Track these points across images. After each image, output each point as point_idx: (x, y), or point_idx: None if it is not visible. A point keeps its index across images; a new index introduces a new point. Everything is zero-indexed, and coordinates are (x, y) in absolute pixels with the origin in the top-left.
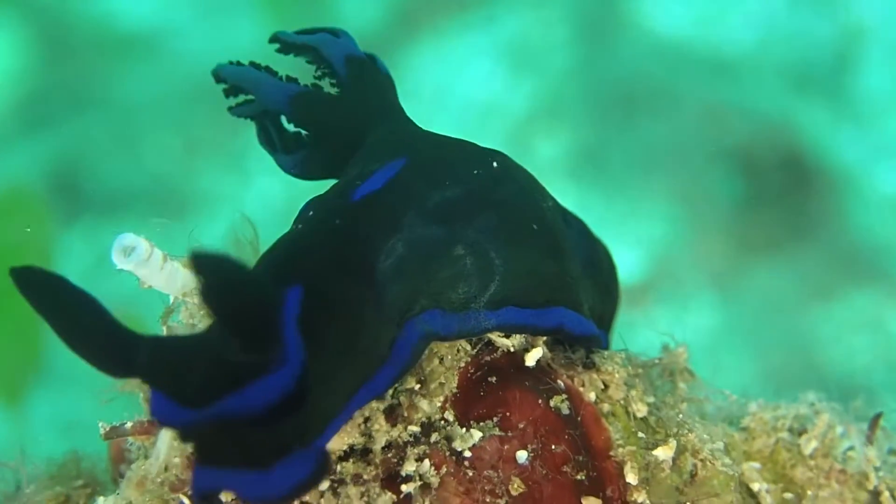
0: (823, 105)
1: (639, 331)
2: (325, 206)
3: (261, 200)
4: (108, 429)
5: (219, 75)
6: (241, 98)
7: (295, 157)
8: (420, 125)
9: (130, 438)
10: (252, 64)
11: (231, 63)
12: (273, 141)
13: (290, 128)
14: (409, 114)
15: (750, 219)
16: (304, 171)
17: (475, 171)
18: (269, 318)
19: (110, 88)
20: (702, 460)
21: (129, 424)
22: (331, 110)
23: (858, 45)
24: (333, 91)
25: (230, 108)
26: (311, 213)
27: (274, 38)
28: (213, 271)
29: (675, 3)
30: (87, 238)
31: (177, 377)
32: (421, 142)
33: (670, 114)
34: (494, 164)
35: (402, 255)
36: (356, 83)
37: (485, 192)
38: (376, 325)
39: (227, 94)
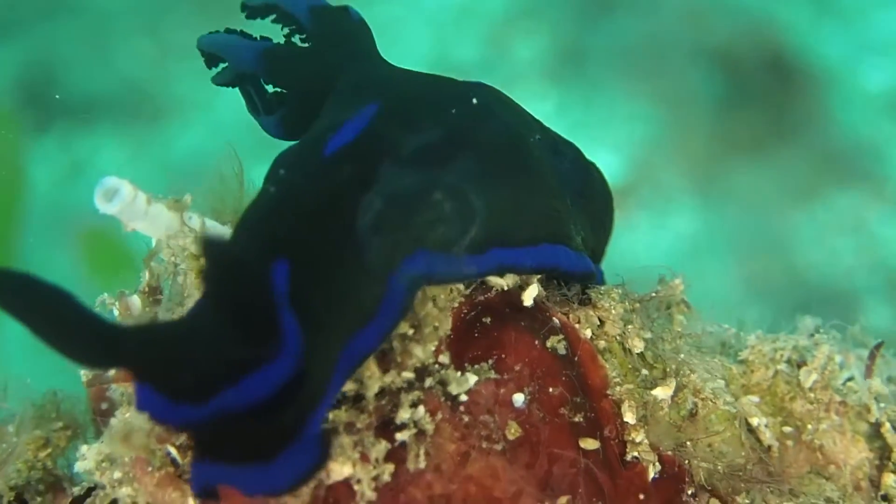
0: (806, 1)
1: (621, 234)
2: (297, 165)
3: (235, 105)
4: (90, 376)
5: (199, 47)
6: (219, 67)
7: (276, 117)
8: (395, 31)
9: (113, 385)
10: (227, 30)
11: (209, 33)
12: (256, 105)
13: (271, 89)
14: (384, 17)
15: (731, 119)
16: (285, 130)
17: (453, 110)
18: (267, 308)
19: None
20: (703, 399)
21: (111, 371)
22: (300, 63)
23: None
24: (303, 43)
25: (213, 79)
26: (282, 172)
27: (242, 7)
28: (224, 265)
29: None
30: (61, 146)
31: (168, 370)
32: (393, 83)
33: (649, 12)
34: (474, 100)
35: (380, 209)
36: (324, 33)
37: (464, 133)
38: (361, 286)
39: (209, 64)
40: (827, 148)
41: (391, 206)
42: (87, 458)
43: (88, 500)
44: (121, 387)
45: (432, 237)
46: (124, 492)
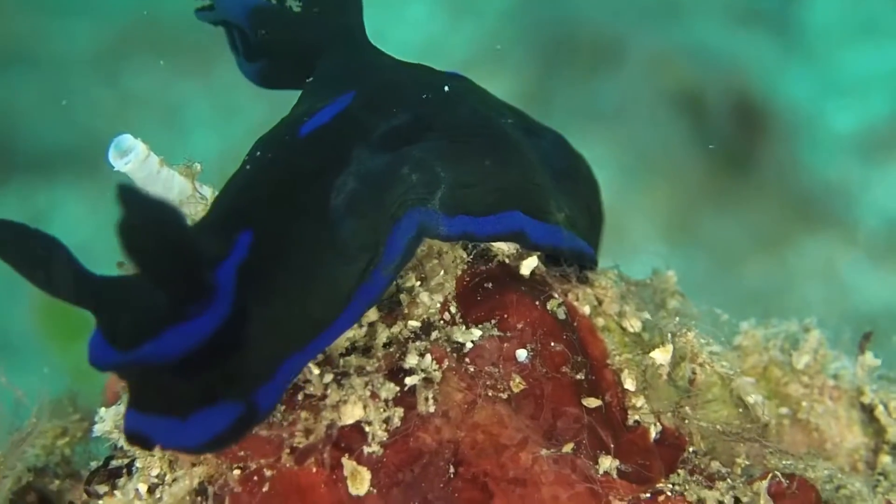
0: (772, 42)
1: None
2: (272, 144)
3: (196, 155)
4: None
5: None
6: (207, 2)
7: (255, 66)
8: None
9: None
10: None
11: None
12: (237, 48)
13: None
14: None
15: (698, 165)
16: (263, 81)
17: (424, 96)
18: (189, 263)
19: (39, 44)
20: (700, 364)
21: None
22: (287, 28)
23: None
24: (296, 4)
25: (196, 11)
26: (258, 152)
27: None
28: (135, 209)
29: None
30: (20, 199)
31: (112, 317)
32: (372, 71)
33: (615, 57)
34: (446, 87)
35: (353, 189)
36: (314, 1)
37: (431, 116)
38: (334, 266)
39: None
40: (796, 192)
41: (364, 185)
42: (104, 419)
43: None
44: None
45: (405, 202)
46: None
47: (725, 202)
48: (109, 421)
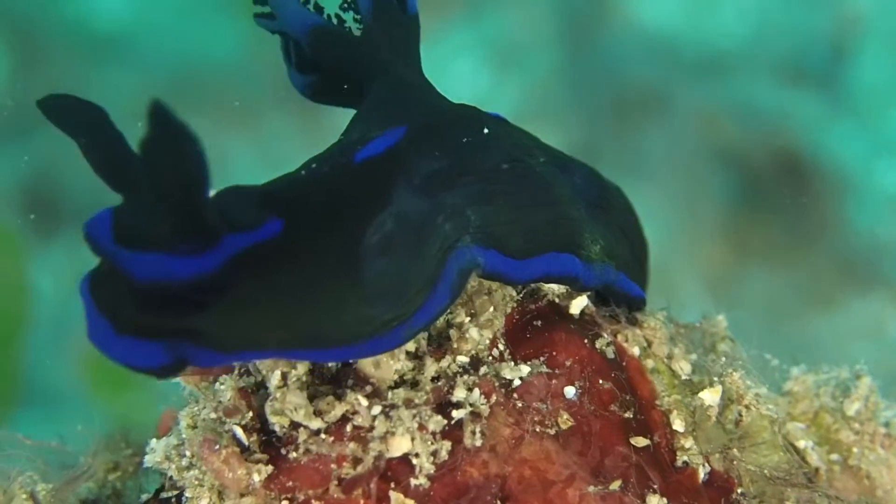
0: (820, 101)
1: None
2: (328, 161)
3: None
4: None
5: None
6: (267, 9)
7: (307, 79)
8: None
9: (182, 381)
10: None
11: None
12: (290, 58)
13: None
14: None
15: (746, 223)
16: (311, 94)
17: (464, 140)
18: (195, 198)
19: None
20: (746, 406)
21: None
22: (344, 50)
23: (854, 37)
24: (355, 26)
25: (255, 16)
26: (314, 165)
27: None
28: (167, 128)
29: None
30: (68, 253)
31: (131, 207)
32: (422, 108)
33: (662, 113)
34: (485, 130)
35: (391, 230)
36: (375, 26)
37: (468, 160)
38: (343, 300)
39: (256, 0)
40: (843, 251)
41: (402, 226)
42: (155, 450)
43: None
44: (188, 384)
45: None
46: (191, 475)
47: (773, 260)
48: (160, 452)
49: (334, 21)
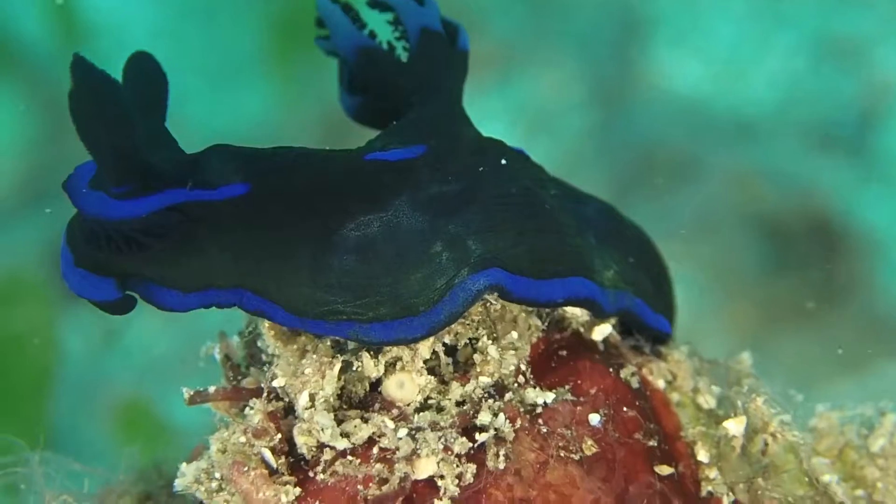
0: (850, 166)
1: None
2: (337, 151)
3: None
4: (191, 393)
5: (317, 2)
6: (325, 32)
7: (354, 100)
8: None
9: (212, 407)
10: (345, 5)
11: None
12: (343, 80)
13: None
14: None
15: (776, 286)
16: (356, 115)
17: (480, 168)
18: (122, 148)
19: None
20: (772, 434)
21: (212, 389)
22: (389, 76)
23: (884, 103)
24: (404, 55)
25: (315, 38)
26: (327, 147)
27: None
28: (82, 76)
29: (694, 62)
30: (95, 312)
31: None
32: (450, 134)
33: (691, 177)
34: (503, 161)
35: (374, 233)
36: (423, 57)
37: (479, 188)
38: (298, 273)
39: (318, 24)
40: (875, 316)
41: (389, 236)
42: (185, 474)
43: None
44: (218, 410)
45: (431, 296)
46: (220, 497)
47: (803, 324)
48: (190, 475)
49: (385, 47)
